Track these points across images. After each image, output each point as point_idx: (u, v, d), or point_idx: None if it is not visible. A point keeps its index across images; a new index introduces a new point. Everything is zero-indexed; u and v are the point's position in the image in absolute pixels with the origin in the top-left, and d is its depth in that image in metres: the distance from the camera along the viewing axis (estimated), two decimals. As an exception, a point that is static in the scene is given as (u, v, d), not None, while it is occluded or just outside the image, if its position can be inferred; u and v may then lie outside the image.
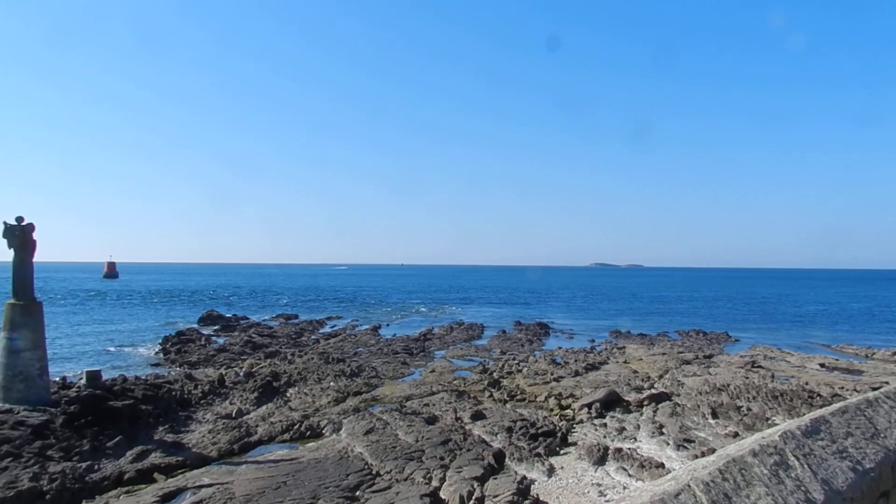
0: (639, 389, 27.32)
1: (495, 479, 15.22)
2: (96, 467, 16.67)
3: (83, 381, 23.20)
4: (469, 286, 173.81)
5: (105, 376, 26.03)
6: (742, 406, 23.21)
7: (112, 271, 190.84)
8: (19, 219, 20.94)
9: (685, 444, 18.56)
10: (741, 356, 38.11)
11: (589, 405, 23.55)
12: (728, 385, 26.97)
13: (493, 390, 27.74)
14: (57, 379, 24.83)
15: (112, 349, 46.14)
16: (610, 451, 17.53)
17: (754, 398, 24.55)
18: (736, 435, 19.65)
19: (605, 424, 21.23)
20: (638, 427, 20.78)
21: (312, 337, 51.49)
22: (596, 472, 16.33)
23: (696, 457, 16.97)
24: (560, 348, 43.25)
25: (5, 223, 20.74)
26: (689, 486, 2.73)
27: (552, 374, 31.51)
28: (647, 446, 18.69)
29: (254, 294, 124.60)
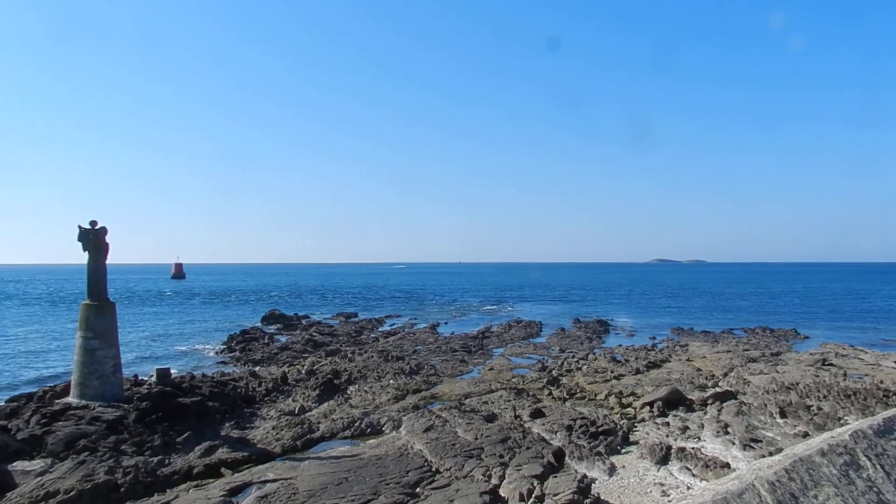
0: (702, 388, 26.72)
1: (555, 477, 15.13)
2: (167, 462, 17.26)
3: (154, 379, 24.05)
4: (525, 284, 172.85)
5: (174, 374, 26.91)
6: (812, 405, 22.44)
7: (179, 272, 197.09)
8: (93, 223, 21.86)
9: (752, 444, 18.06)
10: (811, 354, 36.80)
11: (651, 404, 23.16)
12: (797, 383, 26.11)
13: (552, 388, 27.55)
14: (129, 376, 25.79)
15: (180, 347, 47.70)
16: (673, 451, 17.21)
17: (825, 397, 23.71)
18: (806, 435, 19.01)
19: (667, 423, 20.84)
20: (702, 426, 20.33)
21: (372, 335, 52.08)
22: (658, 471, 16.05)
23: (764, 457, 16.50)
24: (620, 346, 42.64)
25: (80, 227, 21.69)
26: (753, 485, 2.67)
27: (612, 372, 31.08)
28: (712, 446, 18.27)
29: (314, 293, 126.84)
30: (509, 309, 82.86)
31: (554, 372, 31.78)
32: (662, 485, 14.97)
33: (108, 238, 22.45)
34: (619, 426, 20.22)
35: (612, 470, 16.27)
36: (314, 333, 50.36)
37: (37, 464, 16.68)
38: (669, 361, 34.67)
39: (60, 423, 19.00)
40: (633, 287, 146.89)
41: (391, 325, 61.15)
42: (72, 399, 21.32)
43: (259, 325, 60.32)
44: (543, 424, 20.48)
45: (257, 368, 33.61)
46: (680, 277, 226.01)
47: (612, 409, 23.65)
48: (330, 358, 37.15)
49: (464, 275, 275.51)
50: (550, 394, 26.62)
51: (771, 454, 16.18)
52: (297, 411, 23.86)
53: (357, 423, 21.66)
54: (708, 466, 15.81)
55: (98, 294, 22.02)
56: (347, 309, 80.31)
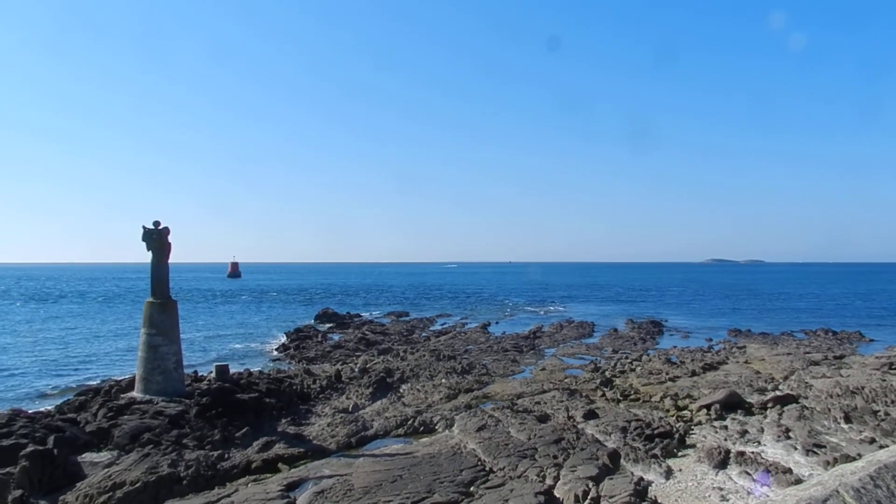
0: (762, 391, 26.04)
1: (611, 479, 14.96)
2: (226, 456, 17.69)
3: (213, 375, 24.69)
4: (577, 283, 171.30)
5: (232, 371, 27.54)
6: (879, 410, 21.63)
7: (235, 271, 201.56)
8: (156, 223, 22.56)
9: (815, 450, 17.51)
10: (877, 357, 35.43)
11: (708, 406, 22.68)
12: (863, 388, 25.19)
13: (605, 389, 27.25)
14: (189, 372, 26.50)
15: (236, 345, 48.82)
16: (732, 455, 16.82)
17: (893, 402, 22.82)
18: (872, 441, 18.35)
19: (725, 427, 20.37)
20: (762, 430, 19.81)
21: (423, 334, 52.39)
22: (717, 475, 15.71)
23: (828, 463, 15.99)
24: (675, 347, 41.87)
25: (144, 227, 22.41)
26: (837, 491, 2.60)
27: (667, 373, 30.56)
28: (773, 451, 17.78)
29: (365, 292, 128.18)
30: (560, 309, 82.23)
31: (607, 373, 31.41)
32: (721, 489, 14.65)
33: (169, 238, 23.12)
34: (675, 429, 19.87)
35: (668, 473, 16.00)
36: (366, 332, 50.90)
37: (104, 455, 17.30)
38: (726, 363, 33.88)
39: (126, 416, 19.67)
40: (686, 287, 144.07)
41: (442, 325, 61.38)
42: (136, 393, 22.05)
43: (312, 323, 61.31)
44: (597, 426, 20.27)
45: (311, 366, 34.14)
46: (736, 278, 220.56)
47: (668, 411, 23.26)
48: (382, 356, 37.50)
49: (515, 274, 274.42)
50: (604, 395, 26.33)
51: (836, 460, 15.71)
52: (350, 409, 24.16)
53: (410, 422, 21.82)
54: (769, 472, 15.41)
55: (161, 292, 22.72)
56: (398, 308, 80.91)
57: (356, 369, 31.42)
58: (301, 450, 18.65)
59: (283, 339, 48.81)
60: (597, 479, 14.82)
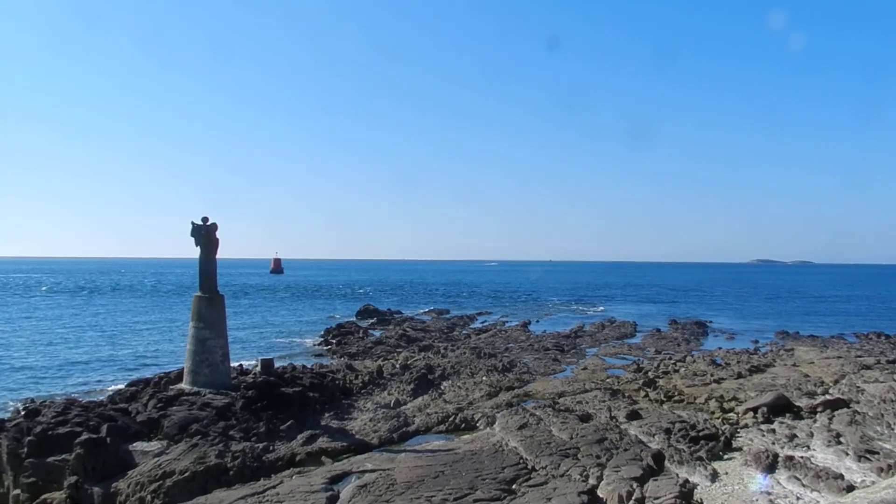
0: (811, 394, 25.42)
1: (655, 480, 14.80)
2: (271, 448, 18.01)
3: (258, 369, 25.11)
4: (617, 283, 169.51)
5: (275, 364, 27.96)
6: (935, 417, 20.94)
7: (278, 267, 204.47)
8: (205, 219, 23.02)
9: (867, 456, 17.03)
10: (932, 362, 34.30)
11: (755, 409, 22.24)
12: (918, 393, 24.41)
13: (648, 390, 26.94)
14: (235, 365, 26.98)
15: (279, 339, 49.62)
16: (780, 459, 16.48)
17: (950, 409, 22.06)
18: (928, 448, 17.78)
19: (773, 430, 19.94)
20: (811, 434, 19.35)
21: (464, 332, 52.48)
22: (765, 479, 15.42)
23: (881, 469, 15.57)
24: (720, 349, 41.14)
25: (193, 223, 22.88)
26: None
27: (712, 375, 30.06)
28: (823, 456, 17.36)
29: (405, 289, 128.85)
30: (602, 308, 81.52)
31: (650, 373, 31.04)
32: (769, 493, 14.38)
33: (217, 234, 23.58)
34: (720, 431, 19.54)
35: (714, 476, 15.77)
36: (407, 329, 51.18)
37: (154, 445, 17.75)
38: (774, 366, 33.17)
39: (175, 407, 20.14)
40: (730, 288, 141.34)
41: (483, 322, 61.40)
42: (184, 385, 22.56)
43: (354, 319, 61.92)
44: (640, 426, 20.06)
45: (353, 362, 34.50)
46: (783, 279, 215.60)
47: (713, 413, 22.88)
48: (423, 353, 37.68)
49: (555, 273, 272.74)
50: (647, 395, 26.04)
51: (890, 467, 15.28)
52: (392, 404, 24.35)
53: (451, 418, 21.90)
54: (819, 477, 15.06)
55: (209, 287, 23.19)
56: (439, 305, 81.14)
57: (397, 365, 31.64)
58: (344, 444, 18.88)
59: (326, 335, 49.38)
60: (641, 480, 14.67)
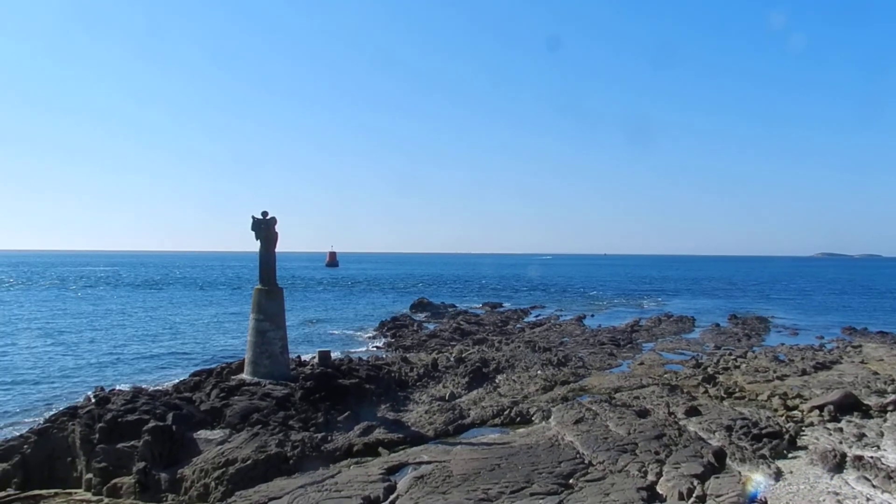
0: (881, 393, 24.46)
1: (717, 478, 14.51)
2: (329, 438, 18.32)
3: (316, 360, 25.54)
4: (674, 276, 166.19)
5: (332, 356, 28.37)
6: None
7: (333, 260, 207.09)
8: (264, 213, 23.49)
9: (942, 457, 16.33)
10: None
11: (820, 407, 21.53)
12: None
13: (708, 386, 26.37)
14: (293, 357, 27.48)
15: (336, 331, 50.39)
16: (848, 459, 15.93)
17: None
18: None
19: (840, 429, 19.28)
20: (881, 434, 18.64)
21: (518, 325, 52.31)
22: (832, 479, 14.93)
23: (958, 472, 14.89)
24: (783, 345, 39.94)
25: (253, 217, 23.38)
26: None
27: (775, 371, 29.23)
28: (894, 456, 16.72)
29: (459, 282, 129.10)
30: (659, 302, 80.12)
31: (710, 369, 30.38)
32: (837, 494, 13.92)
33: (276, 228, 24.02)
34: (784, 429, 19.00)
35: (778, 474, 15.35)
36: (461, 322, 51.29)
37: (217, 433, 18.25)
38: (840, 363, 32.05)
39: (236, 397, 20.67)
40: (792, 283, 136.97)
41: (536, 316, 61.07)
42: (245, 376, 23.11)
43: (408, 312, 62.35)
44: (700, 423, 19.67)
45: (408, 354, 34.74)
46: (850, 273, 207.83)
47: (776, 410, 22.25)
48: (477, 346, 37.71)
49: (610, 266, 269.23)
50: (706, 392, 25.50)
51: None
52: (447, 397, 24.47)
53: (506, 412, 21.88)
54: (891, 478, 14.50)
55: (269, 280, 23.68)
56: (493, 299, 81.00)
57: (452, 358, 31.74)
58: (400, 435, 19.07)
59: (381, 328, 49.91)
60: (702, 478, 14.41)
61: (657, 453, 16.31)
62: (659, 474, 14.83)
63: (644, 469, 15.17)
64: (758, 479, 14.18)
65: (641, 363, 33.03)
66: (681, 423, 19.74)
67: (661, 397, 23.71)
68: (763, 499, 13.22)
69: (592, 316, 61.14)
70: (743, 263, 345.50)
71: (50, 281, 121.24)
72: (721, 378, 28.29)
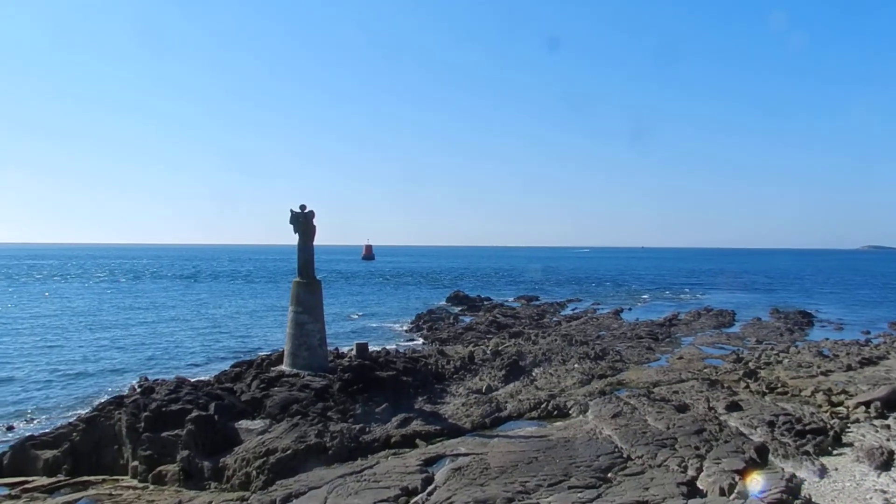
0: (930, 389, 23.78)
1: (759, 474, 14.25)
2: (367, 430, 18.49)
3: (353, 352, 25.76)
4: (712, 270, 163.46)
5: (370, 348, 28.58)
6: None
7: (369, 254, 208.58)
8: (302, 207, 23.73)
9: None
10: None
11: (867, 403, 21.02)
12: None
13: (749, 381, 25.93)
14: (331, 349, 27.78)
15: (373, 324, 50.76)
16: (896, 457, 15.55)
17: None
18: None
19: (888, 426, 18.79)
20: (931, 432, 18.14)
21: (554, 319, 52.06)
22: (879, 477, 14.59)
23: None
24: (827, 339, 39.00)
25: (292, 211, 23.64)
26: None
27: (819, 367, 28.59)
28: (945, 454, 16.25)
29: (495, 275, 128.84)
30: (698, 296, 78.92)
31: (751, 364, 29.86)
32: (885, 492, 13.59)
33: (314, 221, 24.25)
34: (829, 425, 18.59)
35: (822, 471, 15.04)
36: (497, 315, 51.21)
37: (257, 423, 18.55)
38: (888, 358, 31.20)
39: (276, 388, 20.98)
40: (836, 276, 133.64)
41: (573, 310, 60.72)
42: (284, 367, 23.45)
43: (444, 305, 62.51)
44: (741, 418, 19.37)
45: (445, 347, 34.85)
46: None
47: (820, 406, 21.80)
48: (514, 340, 37.63)
49: (648, 259, 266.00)
50: (747, 387, 25.08)
51: None
52: (484, 390, 24.50)
53: (543, 405, 21.83)
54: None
55: (307, 273, 23.94)
56: (528, 292, 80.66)
57: (488, 351, 31.75)
58: (437, 427, 19.16)
59: (417, 320, 50.11)
60: (743, 473, 14.18)
61: (697, 448, 16.10)
62: (699, 469, 14.64)
63: (684, 464, 14.99)
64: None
65: (680, 357, 32.61)
66: (721, 418, 19.46)
67: (701, 392, 23.38)
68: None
69: (630, 309, 60.55)
70: (786, 256, 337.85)
71: (102, 273, 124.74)
72: (763, 373, 27.79)
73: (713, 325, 47.32)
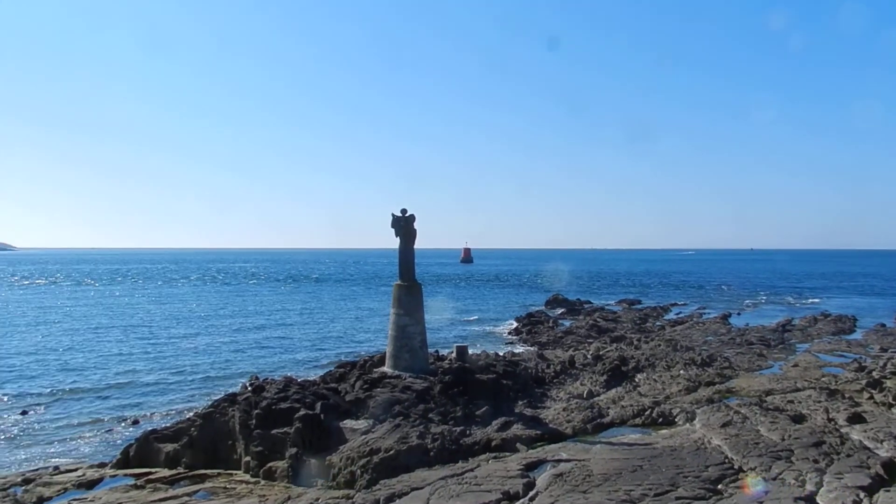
0: None
1: (887, 491, 13.28)
2: (468, 432, 18.54)
3: (453, 355, 25.92)
4: (830, 272, 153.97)
5: (469, 351, 28.68)
6: None
7: (468, 256, 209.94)
8: (403, 210, 24.13)
9: None
10: None
11: None
12: None
13: (873, 391, 24.20)
14: (432, 351, 28.02)
15: (472, 327, 51.05)
16: None
17: None
18: None
19: None
20: None
21: (657, 323, 50.61)
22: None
23: None
24: (964, 348, 35.96)
25: (393, 214, 24.09)
26: None
27: (954, 377, 26.37)
28: None
29: (595, 278, 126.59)
30: (814, 300, 74.62)
31: (875, 373, 27.85)
32: None
33: (415, 225, 24.60)
34: (967, 442, 17.11)
35: (960, 491, 13.84)
36: (598, 319, 50.30)
37: (361, 423, 18.98)
38: None
39: (379, 389, 21.38)
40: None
41: (677, 314, 58.81)
42: (386, 369, 23.89)
43: (543, 308, 61.96)
44: (865, 431, 18.12)
45: (544, 351, 34.53)
46: None
47: (956, 420, 20.08)
48: (615, 344, 36.82)
49: (756, 261, 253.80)
50: (871, 397, 23.42)
51: None
52: (585, 395, 24.09)
53: (648, 412, 21.21)
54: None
55: (408, 275, 24.32)
56: (629, 295, 78.77)
57: (589, 356, 31.20)
58: (538, 432, 18.98)
59: (516, 324, 49.94)
60: (869, 490, 13.26)
61: (816, 461, 15.19)
62: (819, 484, 13.79)
63: (801, 478, 14.17)
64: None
65: (795, 365, 30.89)
66: (842, 430, 18.26)
67: (819, 402, 22.04)
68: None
69: (738, 314, 58.05)
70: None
71: (210, 276, 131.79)
72: (889, 383, 25.86)
73: (832, 331, 44.59)
